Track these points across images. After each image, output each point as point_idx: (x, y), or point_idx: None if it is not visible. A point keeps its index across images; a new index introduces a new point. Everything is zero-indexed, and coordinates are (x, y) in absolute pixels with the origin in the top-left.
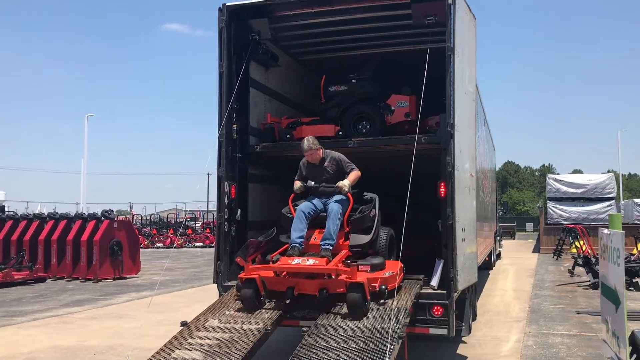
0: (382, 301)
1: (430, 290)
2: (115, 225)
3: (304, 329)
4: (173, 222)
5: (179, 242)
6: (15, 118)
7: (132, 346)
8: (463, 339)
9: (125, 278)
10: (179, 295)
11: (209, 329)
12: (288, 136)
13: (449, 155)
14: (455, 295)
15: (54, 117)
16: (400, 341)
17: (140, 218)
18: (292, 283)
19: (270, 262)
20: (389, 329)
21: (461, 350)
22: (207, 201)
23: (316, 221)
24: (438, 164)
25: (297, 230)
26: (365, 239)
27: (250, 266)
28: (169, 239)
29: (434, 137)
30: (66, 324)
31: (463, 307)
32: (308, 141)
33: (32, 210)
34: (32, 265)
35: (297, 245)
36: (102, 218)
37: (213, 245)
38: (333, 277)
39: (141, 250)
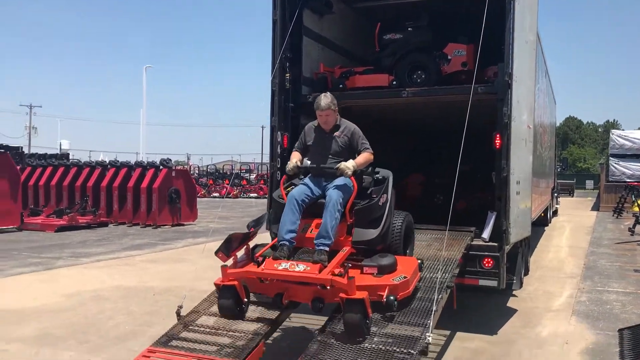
0: (389, 314)
1: (481, 243)
2: (174, 174)
3: None
4: (228, 173)
5: (234, 193)
6: (78, 69)
7: (189, 288)
8: (514, 292)
9: (183, 225)
10: None
11: None
12: (341, 86)
13: (505, 106)
14: (507, 247)
15: (116, 68)
16: (449, 290)
17: (197, 168)
18: (281, 288)
19: (258, 260)
20: (437, 278)
21: (511, 303)
22: (262, 153)
23: (314, 209)
24: (494, 115)
25: (287, 223)
26: (372, 233)
27: (228, 270)
28: (225, 189)
29: (491, 87)
30: (128, 266)
31: (515, 261)
32: (327, 98)
33: (94, 159)
34: (95, 210)
35: (286, 243)
36: (161, 167)
37: (266, 195)
38: (328, 287)
39: (198, 199)
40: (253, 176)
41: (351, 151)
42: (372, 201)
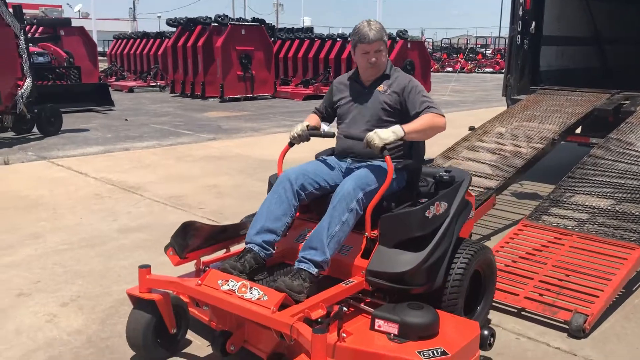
0: None
1: None
2: (409, 46)
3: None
4: (463, 47)
5: (468, 67)
6: None
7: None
8: None
9: None
10: (467, 114)
11: (496, 135)
12: None
13: None
14: None
15: None
16: None
17: (430, 43)
18: (229, 324)
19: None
20: None
21: None
22: (500, 27)
23: (320, 205)
24: None
25: (265, 216)
26: (404, 262)
27: (147, 276)
28: (459, 64)
29: None
30: None
31: None
32: (376, 24)
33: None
34: None
35: (253, 248)
36: (397, 38)
37: (503, 71)
38: (289, 338)
39: (431, 74)
40: (489, 51)
41: (402, 115)
42: (416, 207)
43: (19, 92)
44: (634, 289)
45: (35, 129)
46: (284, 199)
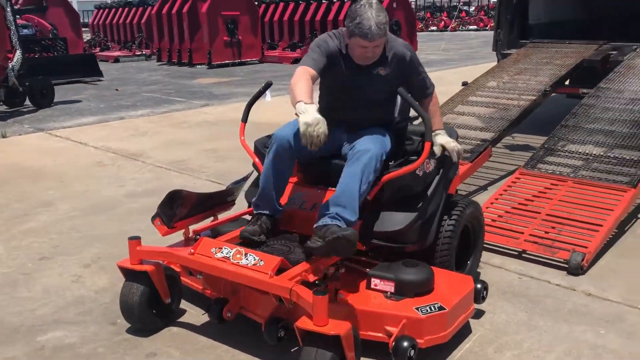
0: None
1: None
2: (394, 5)
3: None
4: (446, 5)
5: (452, 26)
6: None
7: None
8: None
9: None
10: (454, 72)
11: (489, 89)
12: None
13: None
14: None
15: None
16: None
17: (414, 2)
18: (224, 291)
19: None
20: None
21: None
22: None
23: (319, 171)
24: None
25: (267, 178)
26: (397, 221)
27: (139, 248)
28: (443, 22)
29: None
30: None
31: None
32: (379, 15)
33: None
34: None
35: (264, 213)
36: None
37: (488, 28)
38: (288, 302)
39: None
40: (472, 8)
41: (396, 86)
42: (409, 161)
43: (10, 65)
44: (625, 229)
45: (27, 102)
46: (282, 158)
